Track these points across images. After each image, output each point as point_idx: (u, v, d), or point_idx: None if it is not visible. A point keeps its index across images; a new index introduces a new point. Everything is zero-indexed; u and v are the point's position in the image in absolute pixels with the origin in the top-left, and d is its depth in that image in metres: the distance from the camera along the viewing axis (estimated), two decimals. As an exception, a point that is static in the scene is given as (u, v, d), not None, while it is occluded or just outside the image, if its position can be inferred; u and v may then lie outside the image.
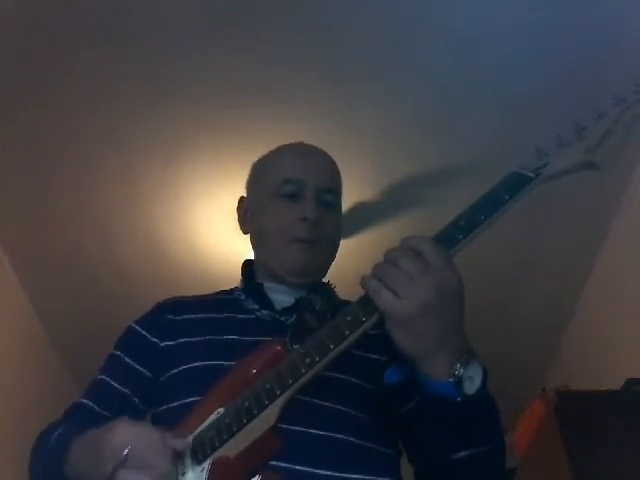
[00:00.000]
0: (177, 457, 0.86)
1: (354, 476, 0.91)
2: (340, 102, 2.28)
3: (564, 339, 3.22)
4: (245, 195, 1.26)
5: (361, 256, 2.75)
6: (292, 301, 1.11)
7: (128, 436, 0.82)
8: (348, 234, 2.66)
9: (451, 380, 0.81)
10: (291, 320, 1.08)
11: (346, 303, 1.13)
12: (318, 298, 1.10)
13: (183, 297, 1.19)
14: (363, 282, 0.84)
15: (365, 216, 2.65)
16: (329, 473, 0.90)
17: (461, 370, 0.81)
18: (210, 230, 2.78)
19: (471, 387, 0.82)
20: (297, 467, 0.88)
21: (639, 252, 2.49)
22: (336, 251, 1.19)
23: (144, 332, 1.11)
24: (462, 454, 0.87)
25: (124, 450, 0.79)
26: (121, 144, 2.44)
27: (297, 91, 2.25)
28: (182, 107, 2.29)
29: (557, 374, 3.23)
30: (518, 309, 2.96)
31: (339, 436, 0.94)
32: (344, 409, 0.97)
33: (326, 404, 0.95)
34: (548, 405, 2.03)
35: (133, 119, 2.33)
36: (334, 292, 1.17)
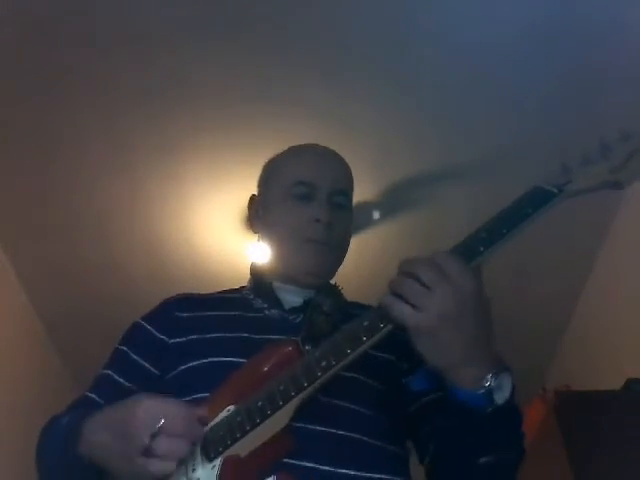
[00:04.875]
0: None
1: (368, 475, 0.92)
2: (341, 102, 2.28)
3: (564, 339, 3.22)
4: (256, 194, 1.26)
5: (361, 256, 2.76)
6: (301, 301, 1.11)
7: (158, 408, 0.82)
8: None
9: (481, 391, 0.81)
10: (299, 320, 1.09)
11: (353, 304, 1.15)
12: (326, 300, 1.11)
13: (190, 295, 1.19)
14: (381, 298, 0.84)
15: (365, 216, 2.65)
16: (344, 471, 0.90)
17: (492, 381, 0.81)
18: (209, 230, 2.78)
19: (500, 397, 0.82)
20: (312, 465, 0.89)
21: (639, 252, 2.49)
22: (346, 253, 1.20)
23: (151, 328, 1.11)
24: (487, 459, 0.87)
25: (158, 421, 0.79)
26: (120, 144, 2.44)
27: (297, 91, 2.25)
28: (182, 106, 2.29)
29: (557, 374, 3.23)
30: (518, 309, 2.96)
31: (352, 435, 0.94)
32: (356, 408, 0.97)
33: (339, 403, 0.96)
34: (548, 405, 2.03)
35: (132, 119, 2.33)
36: (341, 294, 1.18)
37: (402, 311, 0.80)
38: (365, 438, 0.95)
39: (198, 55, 2.12)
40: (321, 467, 0.89)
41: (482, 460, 0.87)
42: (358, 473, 0.91)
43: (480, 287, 0.81)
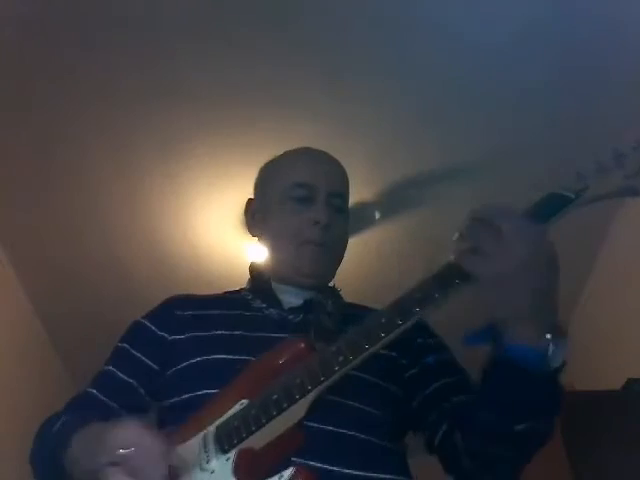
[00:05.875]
0: (200, 449, 0.87)
1: (373, 475, 0.92)
2: (340, 102, 2.28)
3: (564, 339, 3.22)
4: (252, 197, 1.27)
5: (361, 256, 2.76)
6: (300, 302, 1.12)
7: (133, 437, 0.81)
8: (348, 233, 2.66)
9: (539, 349, 0.82)
10: (298, 319, 1.09)
11: (352, 306, 1.16)
12: (328, 300, 1.12)
13: (190, 294, 1.20)
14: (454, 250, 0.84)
15: (365, 216, 2.66)
16: (347, 471, 0.90)
17: (551, 342, 0.82)
18: (210, 230, 2.78)
19: (555, 361, 0.83)
20: (320, 465, 0.89)
21: (639, 252, 2.49)
22: (343, 255, 1.20)
23: (151, 326, 1.12)
24: (522, 426, 0.87)
25: (124, 450, 0.79)
26: (121, 144, 2.44)
27: (297, 91, 2.25)
28: (182, 107, 2.29)
29: (557, 374, 3.23)
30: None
31: (357, 434, 0.95)
32: (362, 407, 0.98)
33: (344, 401, 0.96)
34: (548, 405, 2.03)
35: (133, 119, 2.33)
36: (340, 295, 1.19)
37: (475, 261, 0.81)
38: (370, 437, 0.96)
39: (198, 55, 2.12)
40: (325, 466, 0.89)
41: (518, 427, 0.87)
42: (362, 473, 0.91)
43: (554, 248, 0.82)
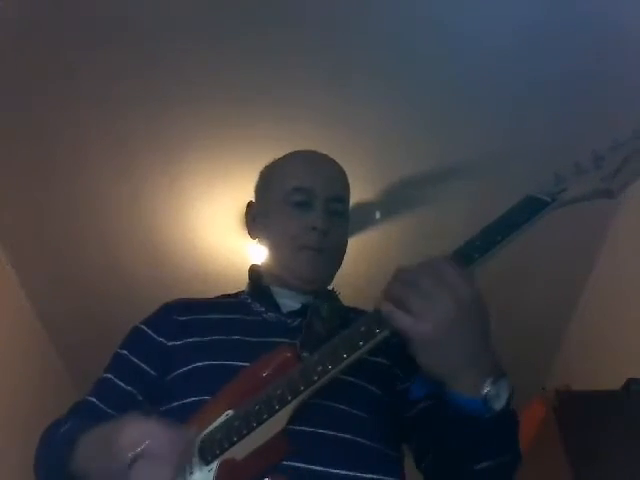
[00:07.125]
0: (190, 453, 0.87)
1: (365, 475, 0.92)
2: (341, 102, 2.28)
3: (564, 339, 3.22)
4: (253, 200, 1.27)
5: (361, 256, 2.76)
6: (298, 306, 1.12)
7: (144, 430, 0.82)
8: (348, 234, 2.66)
9: (480, 398, 0.81)
10: (296, 323, 1.09)
11: (350, 309, 1.16)
12: (324, 305, 1.11)
13: (189, 299, 1.20)
14: (379, 304, 0.84)
15: (365, 216, 2.66)
16: (340, 472, 0.91)
17: (491, 388, 0.81)
18: (210, 230, 2.78)
19: (498, 404, 0.83)
20: (309, 466, 0.89)
21: (639, 252, 2.49)
22: (342, 259, 1.20)
23: (150, 332, 1.12)
24: (483, 465, 0.88)
25: (141, 444, 0.80)
26: (121, 144, 2.44)
27: (298, 91, 2.25)
28: (183, 107, 2.29)
29: (557, 374, 3.23)
30: (518, 309, 2.97)
31: (347, 436, 0.95)
32: (352, 410, 0.98)
33: (335, 405, 0.96)
34: (548, 405, 2.03)
35: (133, 120, 2.33)
36: (339, 299, 1.19)
37: (403, 320, 0.81)
38: (360, 439, 0.96)
39: (199, 56, 2.12)
40: (315, 467, 0.90)
41: (479, 466, 0.88)
42: (351, 473, 0.91)
43: (479, 293, 0.82)
